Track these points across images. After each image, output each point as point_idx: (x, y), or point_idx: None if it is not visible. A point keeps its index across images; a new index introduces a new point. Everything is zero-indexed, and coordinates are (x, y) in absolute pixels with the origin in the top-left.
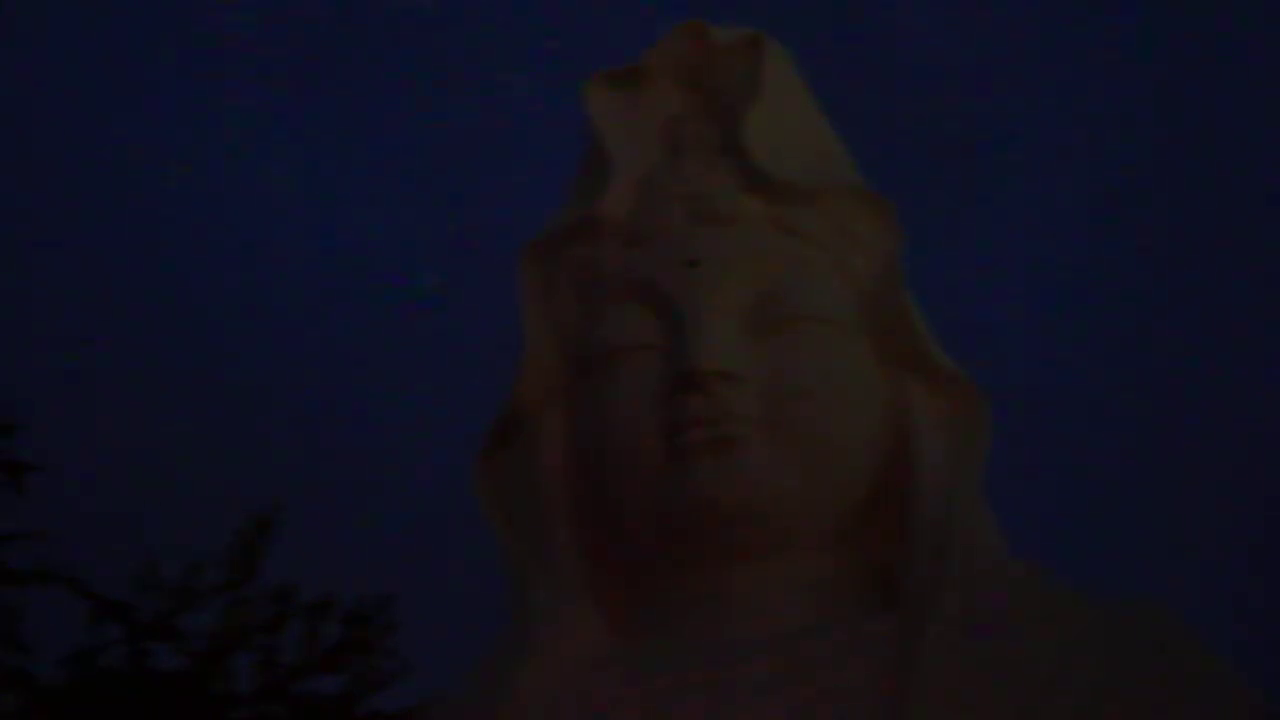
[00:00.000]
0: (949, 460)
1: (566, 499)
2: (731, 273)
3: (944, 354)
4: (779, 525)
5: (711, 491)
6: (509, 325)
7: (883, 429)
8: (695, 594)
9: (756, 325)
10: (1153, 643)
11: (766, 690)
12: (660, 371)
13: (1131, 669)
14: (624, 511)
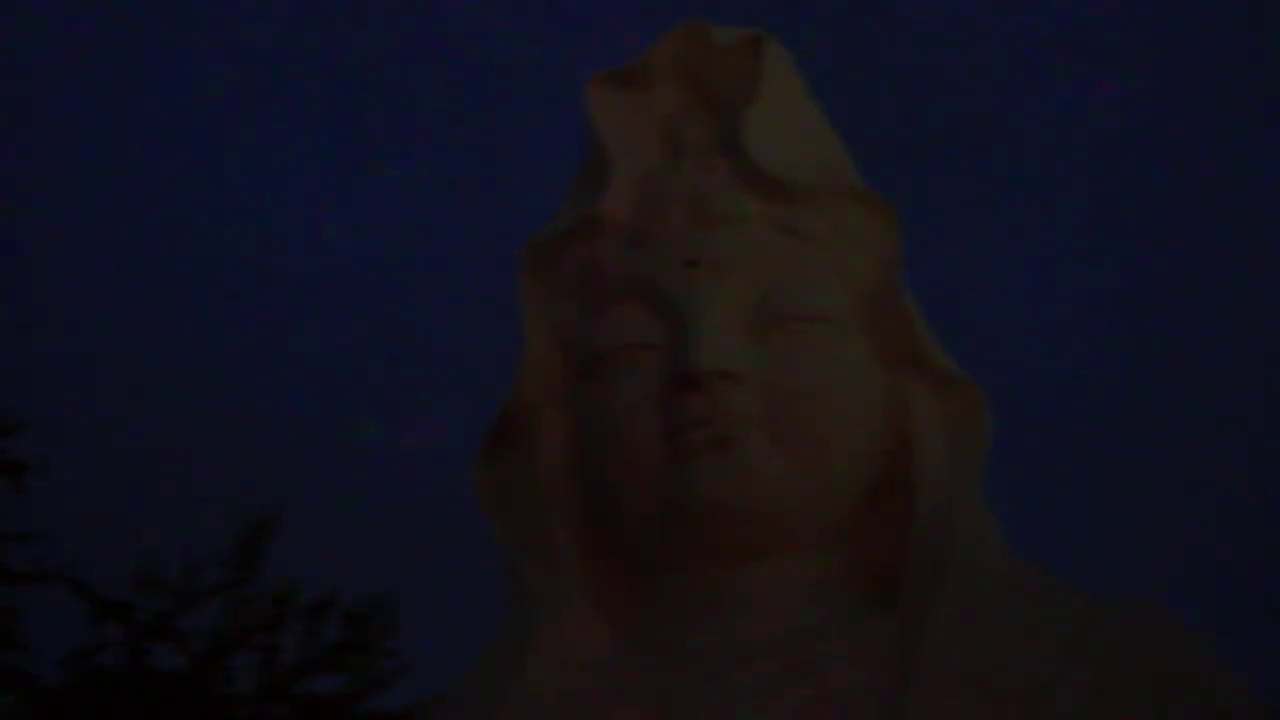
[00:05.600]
0: (949, 460)
1: (566, 499)
2: (731, 273)
3: (945, 354)
4: (779, 525)
5: (712, 491)
6: (509, 326)
7: (883, 429)
8: (695, 594)
9: (756, 325)
10: (1153, 643)
11: (767, 690)
12: (660, 371)
13: (1132, 669)
14: (624, 511)
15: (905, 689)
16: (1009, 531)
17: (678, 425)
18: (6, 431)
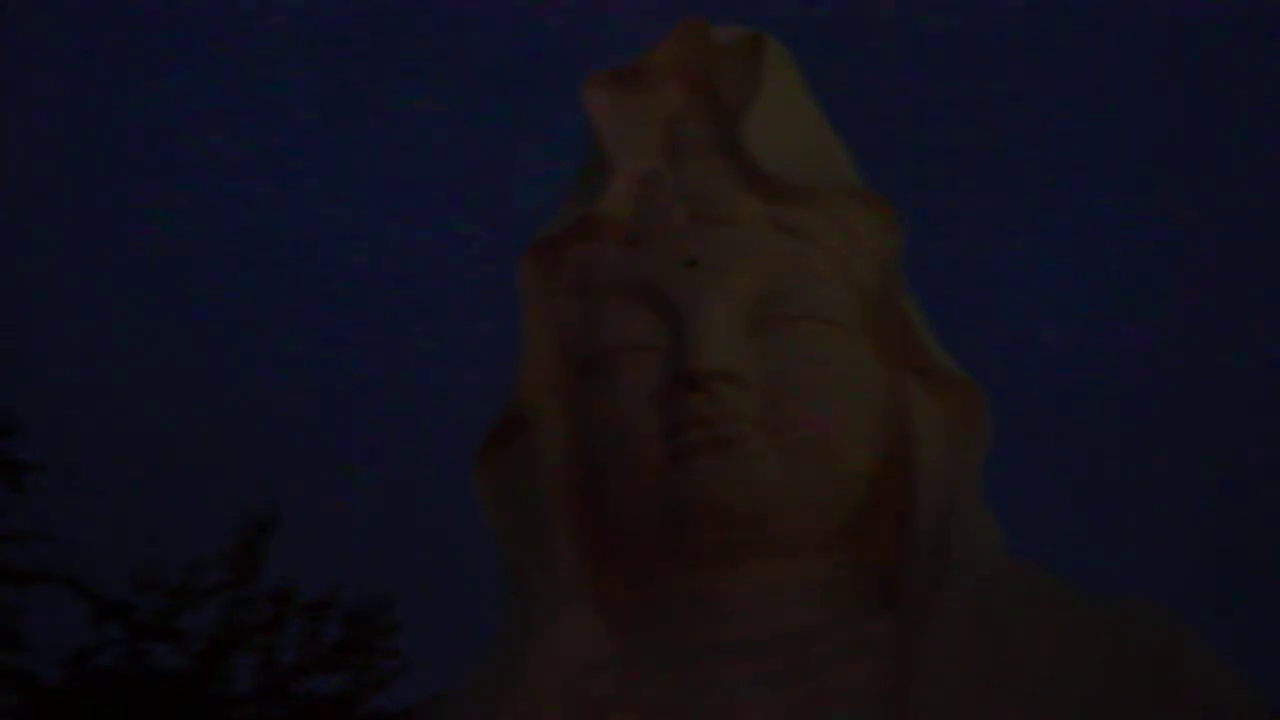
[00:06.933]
0: (949, 460)
1: (566, 499)
2: (731, 273)
3: (945, 354)
4: (779, 525)
5: (711, 491)
6: (509, 325)
7: (883, 429)
8: (695, 594)
9: (756, 325)
10: (1153, 642)
11: (767, 690)
12: (660, 371)
13: (1132, 669)
14: (624, 512)
15: (906, 689)
16: (1008, 531)
17: (677, 425)
18: (6, 431)
